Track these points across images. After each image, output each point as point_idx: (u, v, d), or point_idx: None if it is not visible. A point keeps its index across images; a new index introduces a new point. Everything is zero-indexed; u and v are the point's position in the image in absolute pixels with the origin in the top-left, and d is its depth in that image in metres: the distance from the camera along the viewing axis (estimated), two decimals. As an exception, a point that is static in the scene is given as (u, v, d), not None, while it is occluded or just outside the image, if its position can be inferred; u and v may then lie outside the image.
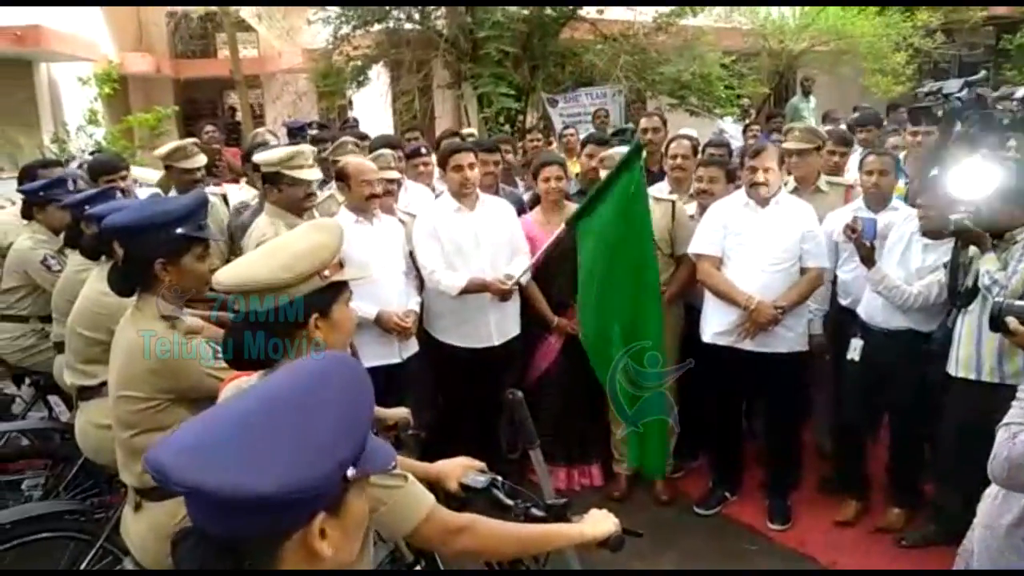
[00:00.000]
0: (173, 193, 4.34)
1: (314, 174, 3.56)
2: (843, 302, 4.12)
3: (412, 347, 3.89)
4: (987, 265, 3.15)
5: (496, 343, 4.04)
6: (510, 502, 2.00)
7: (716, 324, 3.85)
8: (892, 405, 3.82)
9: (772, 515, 3.97)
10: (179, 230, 2.27)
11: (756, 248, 3.78)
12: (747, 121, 9.57)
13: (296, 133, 6.86)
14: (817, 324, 4.15)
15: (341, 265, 1.74)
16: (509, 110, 9.62)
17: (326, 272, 1.66)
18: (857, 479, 4.03)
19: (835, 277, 4.15)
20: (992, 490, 2.26)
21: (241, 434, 0.94)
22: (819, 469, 4.38)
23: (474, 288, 3.88)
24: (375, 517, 1.57)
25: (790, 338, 3.79)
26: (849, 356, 3.82)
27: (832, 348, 4.17)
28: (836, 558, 3.65)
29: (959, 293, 3.36)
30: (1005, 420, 2.11)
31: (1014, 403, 2.17)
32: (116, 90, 12.40)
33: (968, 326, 3.28)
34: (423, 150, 4.92)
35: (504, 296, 3.91)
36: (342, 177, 3.77)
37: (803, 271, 3.81)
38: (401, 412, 2.64)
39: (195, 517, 0.95)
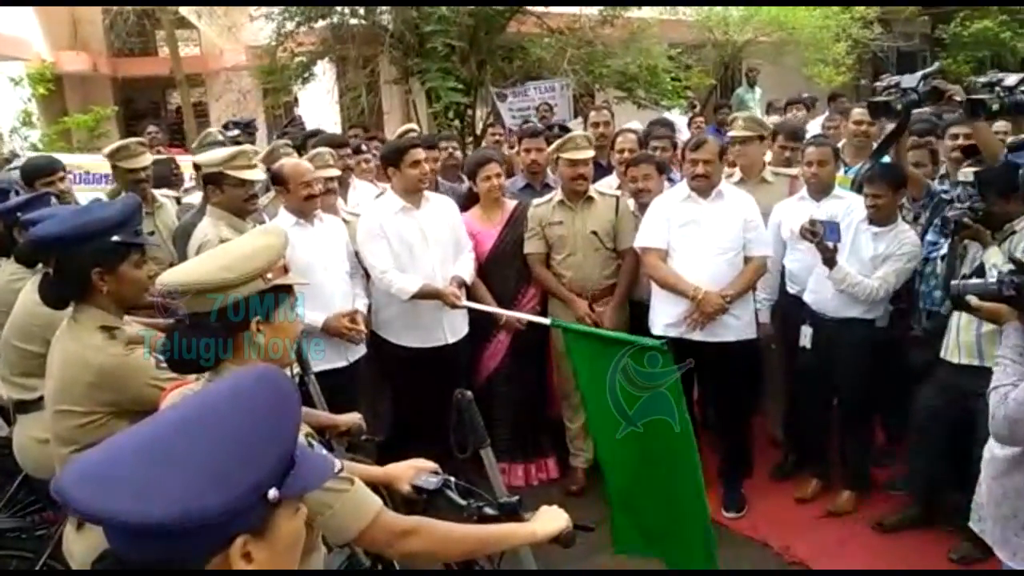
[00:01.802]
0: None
1: (257, 174, 3.52)
2: (791, 290, 4.19)
3: (359, 350, 3.86)
4: (992, 259, 3.19)
5: (450, 342, 4.03)
6: (463, 502, 2.00)
7: (665, 316, 3.89)
8: (842, 390, 3.91)
9: (726, 503, 4.03)
10: (115, 237, 2.20)
11: (700, 239, 3.83)
12: (691, 114, 9.66)
13: (243, 130, 6.72)
14: (765, 313, 4.23)
15: (286, 269, 1.72)
16: (458, 105, 9.56)
17: (269, 275, 1.65)
18: (815, 459, 4.14)
19: (783, 266, 4.22)
20: (992, 451, 2.44)
21: (143, 460, 0.92)
22: (771, 457, 4.46)
23: (426, 294, 3.85)
24: (320, 521, 1.56)
25: (738, 326, 3.84)
26: (801, 344, 3.89)
27: (781, 336, 4.25)
28: (789, 543, 3.72)
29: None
30: (992, 384, 2.24)
31: (995, 368, 2.29)
32: (51, 90, 12.03)
33: (967, 315, 3.28)
34: (363, 147, 4.87)
35: (454, 306, 3.89)
36: (279, 180, 3.71)
37: (747, 260, 3.87)
38: (353, 418, 2.62)
39: (110, 541, 0.93)
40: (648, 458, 2.95)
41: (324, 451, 1.59)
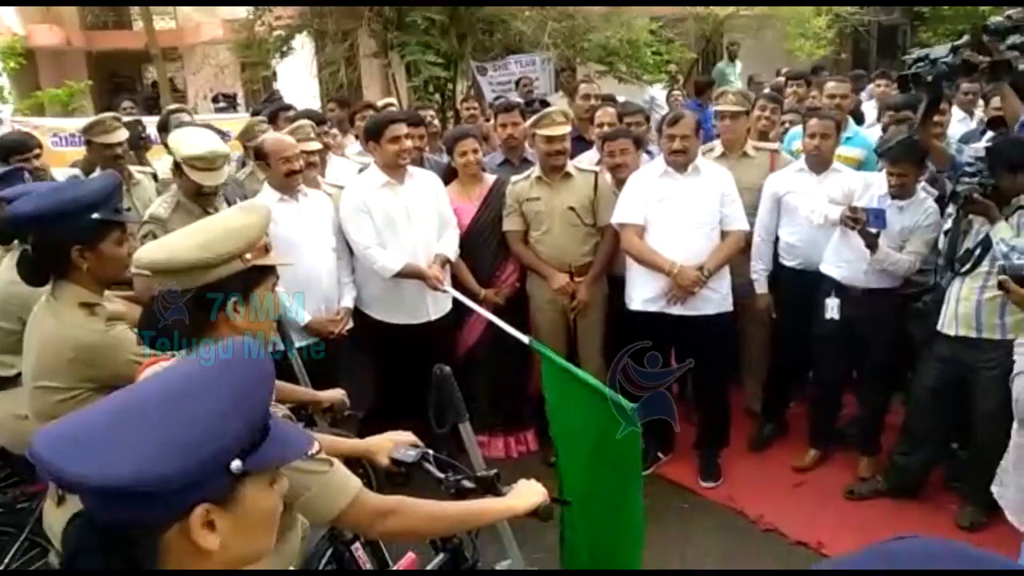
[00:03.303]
0: (98, 173, 4.18)
1: (215, 179, 3.47)
2: (788, 263, 4.23)
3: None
4: (1001, 234, 3.24)
5: (433, 318, 4.04)
6: (441, 475, 2.03)
7: (643, 291, 3.93)
8: (868, 358, 3.98)
9: (703, 473, 4.11)
10: (95, 215, 2.18)
11: (677, 214, 3.86)
12: (669, 88, 9.66)
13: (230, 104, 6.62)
14: (763, 283, 4.27)
15: (267, 249, 1.72)
16: (438, 79, 9.48)
17: (248, 255, 1.64)
18: (825, 431, 4.23)
19: (777, 238, 4.25)
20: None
21: (112, 426, 0.95)
22: (748, 427, 4.54)
23: (409, 273, 3.85)
24: (299, 503, 1.58)
25: (716, 299, 3.89)
26: (828, 316, 3.93)
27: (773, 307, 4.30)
28: (763, 512, 3.79)
29: (958, 258, 3.45)
30: (1016, 370, 2.26)
31: (1016, 355, 2.32)
32: (23, 64, 11.79)
33: (968, 287, 3.39)
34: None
35: (435, 288, 3.89)
36: (261, 156, 3.69)
37: (724, 234, 3.90)
38: (336, 394, 2.63)
39: (83, 502, 0.96)
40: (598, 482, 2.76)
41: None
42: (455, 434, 2.49)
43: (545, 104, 5.49)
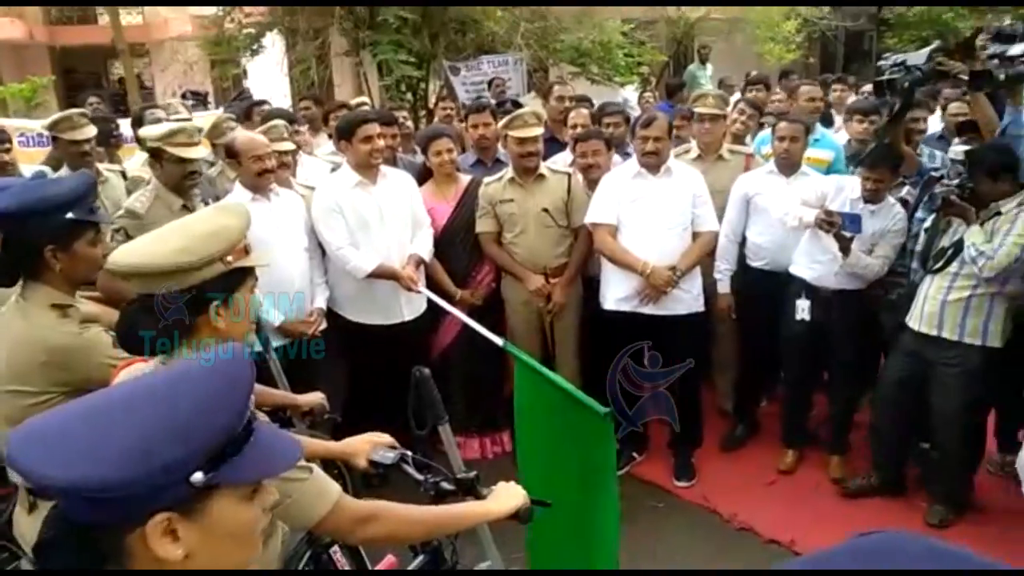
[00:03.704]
0: (65, 170, 4.09)
1: (198, 152, 3.43)
2: (754, 264, 4.28)
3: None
4: (972, 238, 3.30)
5: (407, 319, 4.02)
6: (420, 477, 2.02)
7: (616, 291, 3.95)
8: (838, 357, 4.04)
9: (678, 473, 4.15)
10: (69, 215, 2.13)
11: (650, 214, 3.88)
12: (641, 90, 9.72)
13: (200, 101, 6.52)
14: (726, 284, 4.31)
15: (247, 251, 1.69)
16: (410, 78, 9.44)
17: (229, 257, 1.62)
18: (799, 431, 4.28)
19: (744, 239, 4.29)
20: None
21: (79, 427, 0.96)
22: (720, 428, 4.58)
23: (382, 274, 3.83)
24: (279, 510, 1.55)
25: (687, 299, 3.93)
26: (798, 317, 3.98)
27: (740, 309, 4.33)
28: (737, 511, 3.83)
29: (932, 256, 3.52)
30: None
31: None
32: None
33: (937, 286, 3.46)
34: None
35: (409, 289, 3.86)
36: (232, 154, 3.64)
37: (696, 235, 3.94)
38: (315, 398, 2.61)
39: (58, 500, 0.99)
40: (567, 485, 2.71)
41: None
42: (433, 435, 2.51)
43: (517, 105, 5.48)
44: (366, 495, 2.14)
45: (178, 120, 4.95)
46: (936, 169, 3.91)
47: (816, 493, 3.99)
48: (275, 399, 2.54)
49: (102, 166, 3.99)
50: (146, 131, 3.47)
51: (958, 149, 3.53)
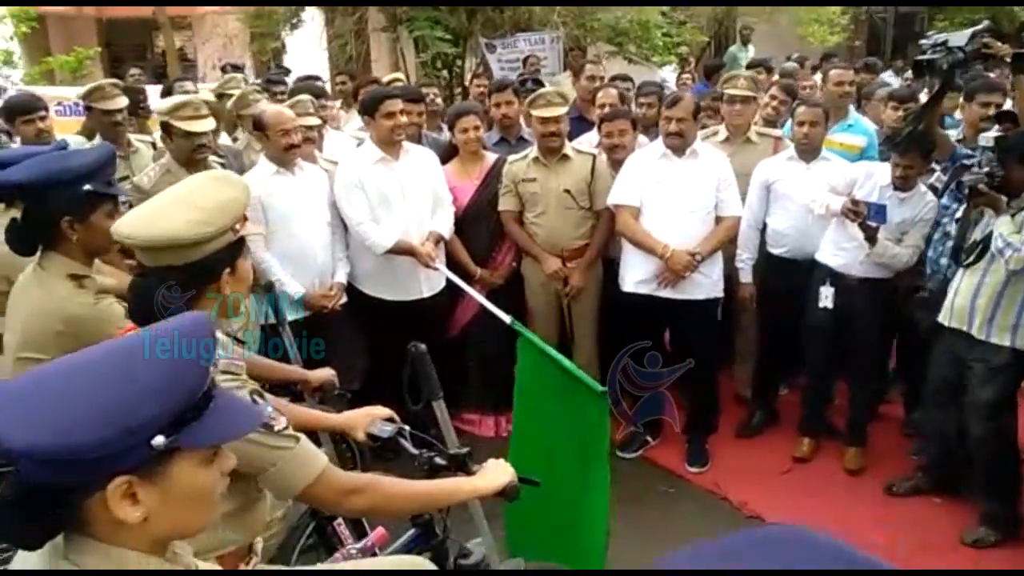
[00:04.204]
0: (98, 139, 4.17)
1: (204, 125, 3.43)
2: (775, 251, 4.21)
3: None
4: (1001, 228, 3.17)
5: (426, 295, 4.05)
6: (416, 451, 2.06)
7: (636, 273, 3.93)
8: (859, 346, 3.96)
9: (690, 458, 4.13)
10: (87, 187, 2.16)
11: (672, 197, 3.85)
12: (680, 71, 9.58)
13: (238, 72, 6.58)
14: (748, 273, 4.26)
15: (245, 219, 1.74)
16: (446, 55, 9.43)
17: (237, 226, 1.67)
18: (818, 420, 4.22)
19: (764, 226, 4.23)
20: None
21: (41, 392, 1.00)
22: (739, 414, 4.55)
23: (401, 250, 3.85)
24: (262, 478, 1.60)
25: (707, 284, 3.89)
26: (821, 304, 3.92)
27: (760, 295, 4.28)
28: (748, 498, 3.81)
29: (964, 249, 3.40)
30: None
31: None
32: (34, 29, 11.75)
33: (968, 281, 3.33)
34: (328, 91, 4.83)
35: (427, 266, 3.87)
36: (260, 127, 3.68)
37: (719, 220, 3.89)
38: (325, 373, 2.65)
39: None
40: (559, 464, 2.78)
41: (271, 408, 1.61)
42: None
43: (539, 84, 5.43)
44: (376, 468, 2.18)
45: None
46: (969, 156, 3.81)
47: (829, 484, 3.94)
48: (286, 374, 2.58)
49: (133, 136, 4.06)
50: (156, 108, 3.52)
51: (988, 135, 3.42)
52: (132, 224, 1.62)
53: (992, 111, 3.87)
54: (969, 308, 3.33)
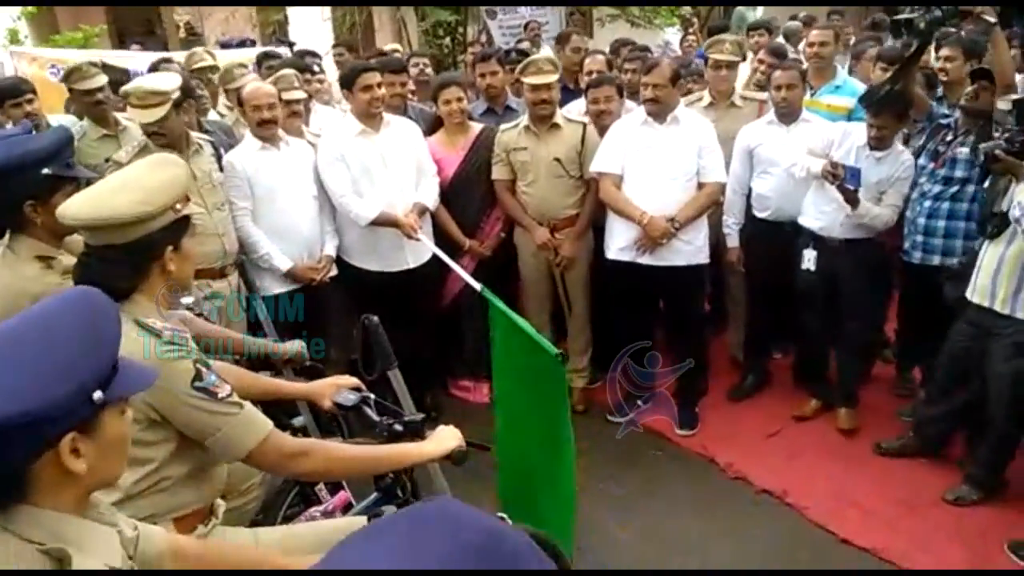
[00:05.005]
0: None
1: (149, 116, 3.30)
2: (759, 215, 4.21)
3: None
4: (1020, 196, 3.10)
5: (412, 266, 4.09)
6: (377, 418, 2.13)
7: (618, 241, 3.95)
8: (848, 308, 3.97)
9: (680, 421, 4.18)
10: (45, 170, 2.23)
11: (653, 164, 3.85)
12: (684, 32, 9.45)
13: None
14: (734, 238, 4.27)
15: (188, 199, 1.80)
16: (447, 23, 9.39)
17: (178, 205, 1.73)
18: (817, 379, 4.26)
19: (750, 190, 4.23)
20: None
21: None
22: (732, 378, 4.58)
23: (384, 222, 3.88)
24: (209, 442, 1.67)
25: (688, 251, 3.90)
26: (804, 267, 3.94)
27: (747, 259, 4.30)
28: (733, 460, 3.86)
29: (986, 220, 3.34)
30: None
31: None
32: (41, 8, 11.81)
33: (991, 255, 3.26)
34: (315, 68, 4.83)
35: (410, 237, 3.89)
36: (241, 103, 3.73)
37: (701, 186, 3.89)
38: (295, 346, 2.71)
39: None
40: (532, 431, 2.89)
41: (215, 376, 1.68)
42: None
43: (523, 54, 5.41)
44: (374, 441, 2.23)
45: (201, 67, 5.07)
46: (946, 115, 3.78)
47: (816, 445, 3.98)
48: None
49: (121, 115, 4.09)
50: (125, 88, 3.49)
51: (1008, 98, 3.36)
52: (77, 206, 1.69)
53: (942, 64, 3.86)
54: (991, 284, 3.25)
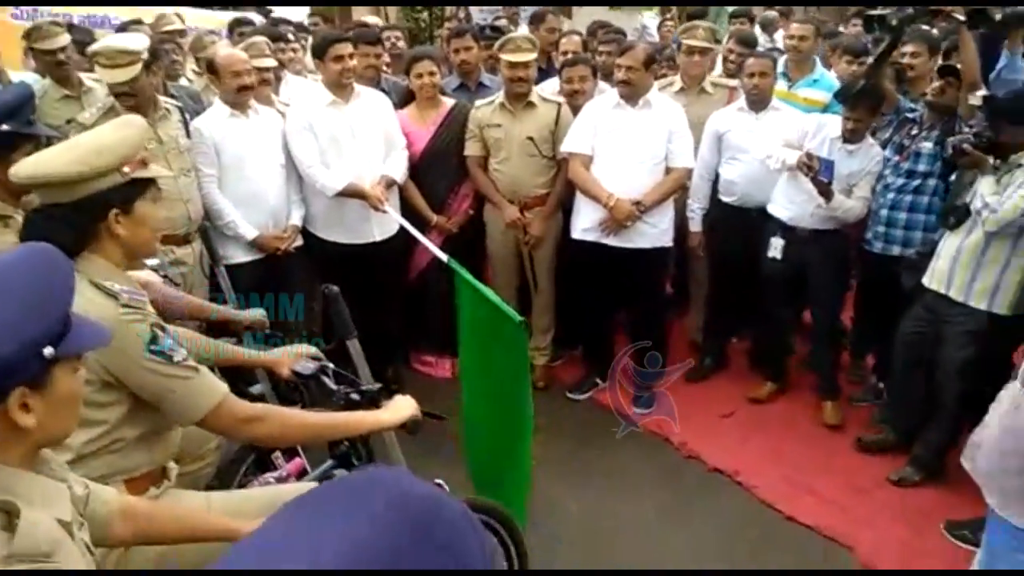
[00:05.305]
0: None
1: (117, 76, 3.27)
2: (725, 199, 4.26)
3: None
4: (983, 188, 3.16)
5: (378, 239, 4.09)
6: (335, 387, 2.16)
7: (583, 221, 4.00)
8: (816, 298, 4.06)
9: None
10: (4, 127, 2.22)
11: (623, 147, 3.88)
12: (662, 17, 9.47)
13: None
14: (697, 222, 4.33)
15: (145, 163, 1.79)
16: (425, -3, 9.31)
17: (126, 168, 1.71)
18: (775, 364, 4.34)
19: (716, 175, 4.28)
20: (1013, 393, 2.23)
21: None
22: (689, 359, 4.65)
23: (351, 193, 3.87)
24: (163, 406, 1.69)
25: (653, 234, 3.95)
26: (770, 255, 4.00)
27: (710, 244, 4.37)
28: (687, 439, 3.95)
29: (951, 211, 3.40)
30: None
31: None
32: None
33: (950, 243, 3.34)
34: (289, 36, 4.78)
35: (376, 209, 3.88)
36: (212, 70, 3.69)
37: (669, 171, 3.94)
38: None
39: None
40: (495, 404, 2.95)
41: (171, 340, 1.70)
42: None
43: (497, 31, 5.39)
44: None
45: (170, 31, 5.00)
46: (912, 110, 3.85)
47: (769, 429, 4.07)
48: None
49: (85, 76, 4.02)
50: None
51: (978, 95, 3.43)
52: (24, 163, 1.69)
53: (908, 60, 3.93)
54: (949, 270, 3.33)
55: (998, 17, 3.67)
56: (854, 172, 3.80)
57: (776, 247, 4.00)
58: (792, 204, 3.92)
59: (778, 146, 3.89)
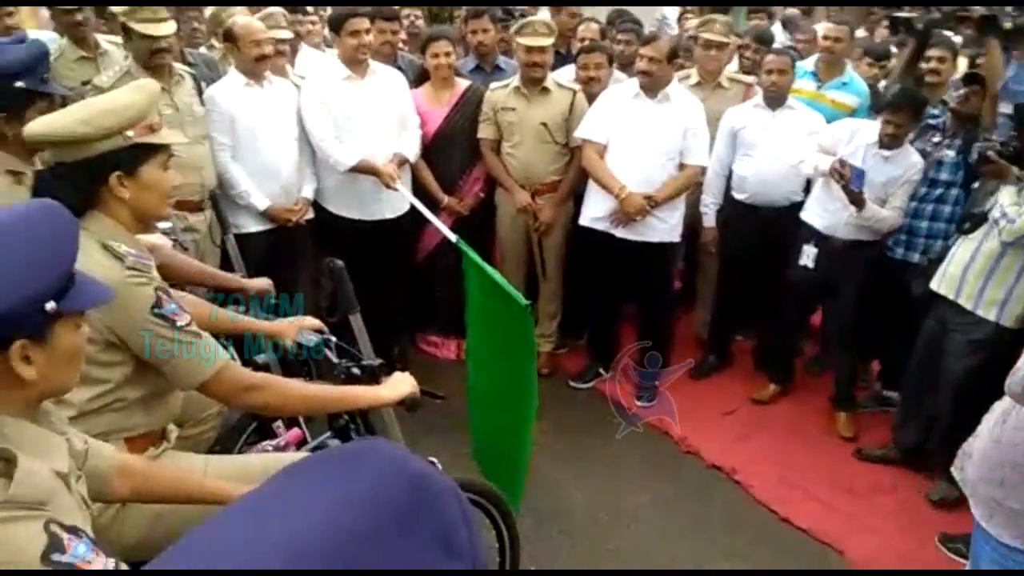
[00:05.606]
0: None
1: (163, 29, 3.31)
2: (738, 196, 4.23)
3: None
4: (1003, 198, 3.10)
5: (388, 216, 4.08)
6: (336, 360, 2.16)
7: (593, 210, 3.99)
8: (843, 308, 3.96)
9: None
10: (19, 84, 2.20)
11: (639, 138, 3.86)
12: (682, 11, 9.37)
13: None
14: (711, 218, 4.30)
15: (152, 128, 1.77)
16: (448, -24, 9.21)
17: (130, 132, 1.70)
18: (784, 368, 4.31)
19: (730, 172, 4.24)
20: (1004, 405, 2.21)
21: None
22: (696, 356, 4.64)
23: (363, 169, 3.86)
24: (165, 369, 1.70)
25: (662, 229, 3.94)
26: (802, 262, 3.92)
27: (722, 241, 4.33)
28: (687, 435, 3.94)
29: (964, 217, 3.36)
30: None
31: None
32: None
33: (964, 249, 3.28)
34: (309, 9, 4.76)
35: (388, 186, 3.86)
36: (230, 38, 3.67)
37: (683, 167, 3.91)
38: (262, 283, 2.72)
39: None
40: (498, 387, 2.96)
41: (175, 305, 1.70)
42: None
43: (510, 14, 5.35)
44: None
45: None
46: (935, 116, 3.81)
47: (769, 429, 4.05)
48: (225, 281, 2.66)
49: (102, 37, 3.99)
50: (115, 9, 3.43)
51: (1009, 103, 3.39)
52: (39, 122, 1.70)
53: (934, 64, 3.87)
54: (960, 277, 3.28)
55: (1008, 26, 3.61)
56: (890, 179, 3.65)
57: (809, 255, 3.90)
58: (826, 212, 3.81)
59: (812, 151, 3.81)
